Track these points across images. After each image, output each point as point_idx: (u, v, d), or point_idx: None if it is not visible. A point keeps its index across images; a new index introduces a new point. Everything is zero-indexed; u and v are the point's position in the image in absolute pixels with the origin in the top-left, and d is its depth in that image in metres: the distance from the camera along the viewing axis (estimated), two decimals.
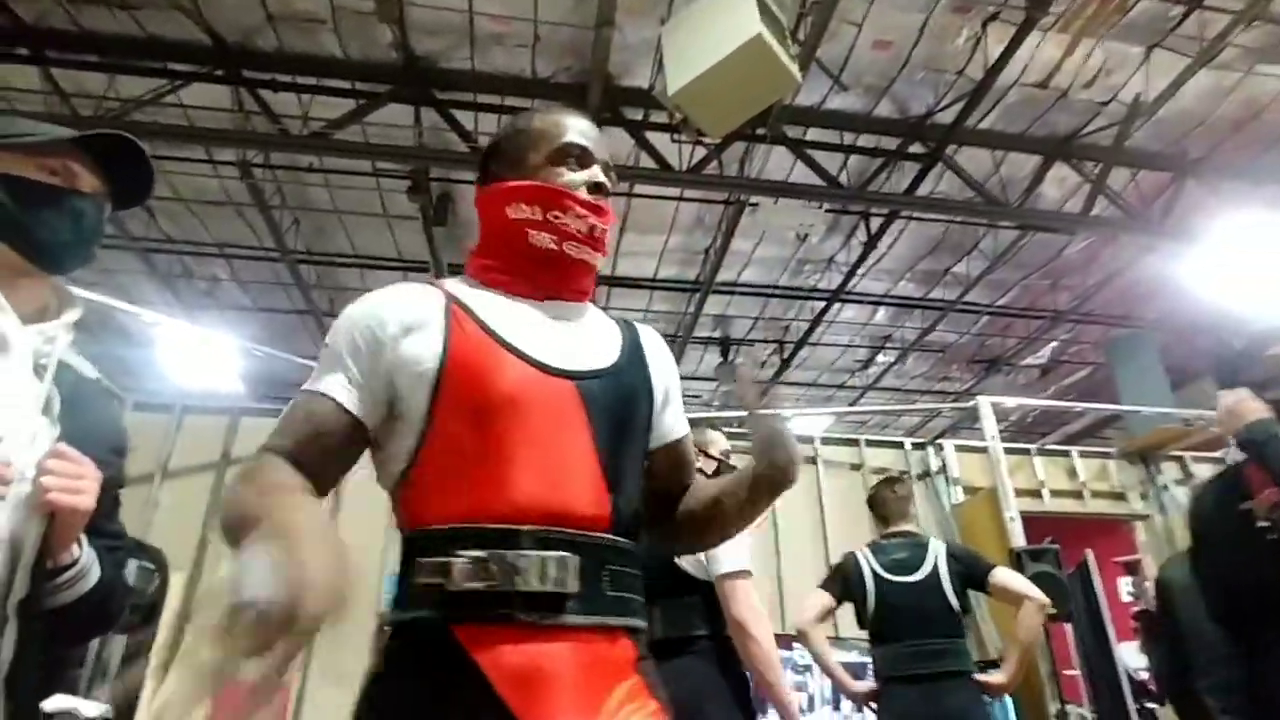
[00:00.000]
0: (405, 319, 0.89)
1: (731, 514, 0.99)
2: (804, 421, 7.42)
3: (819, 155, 5.62)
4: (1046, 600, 2.55)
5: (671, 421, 1.05)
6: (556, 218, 0.94)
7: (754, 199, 5.98)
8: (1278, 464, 1.57)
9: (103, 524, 0.97)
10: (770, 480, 0.94)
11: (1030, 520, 4.25)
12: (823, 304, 7.77)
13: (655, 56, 4.70)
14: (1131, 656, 4.32)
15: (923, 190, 5.89)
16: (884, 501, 2.88)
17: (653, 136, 5.38)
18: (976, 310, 8.08)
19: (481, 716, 0.75)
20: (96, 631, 1.10)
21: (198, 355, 5.12)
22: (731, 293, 7.77)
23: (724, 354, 8.95)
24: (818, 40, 4.38)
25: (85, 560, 0.94)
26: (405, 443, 0.86)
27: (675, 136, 5.30)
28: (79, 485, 0.88)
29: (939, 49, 5.01)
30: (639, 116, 5.39)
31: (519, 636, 0.78)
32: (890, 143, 5.73)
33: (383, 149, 5.35)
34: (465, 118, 5.27)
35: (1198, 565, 1.69)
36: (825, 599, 2.69)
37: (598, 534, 0.85)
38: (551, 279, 0.97)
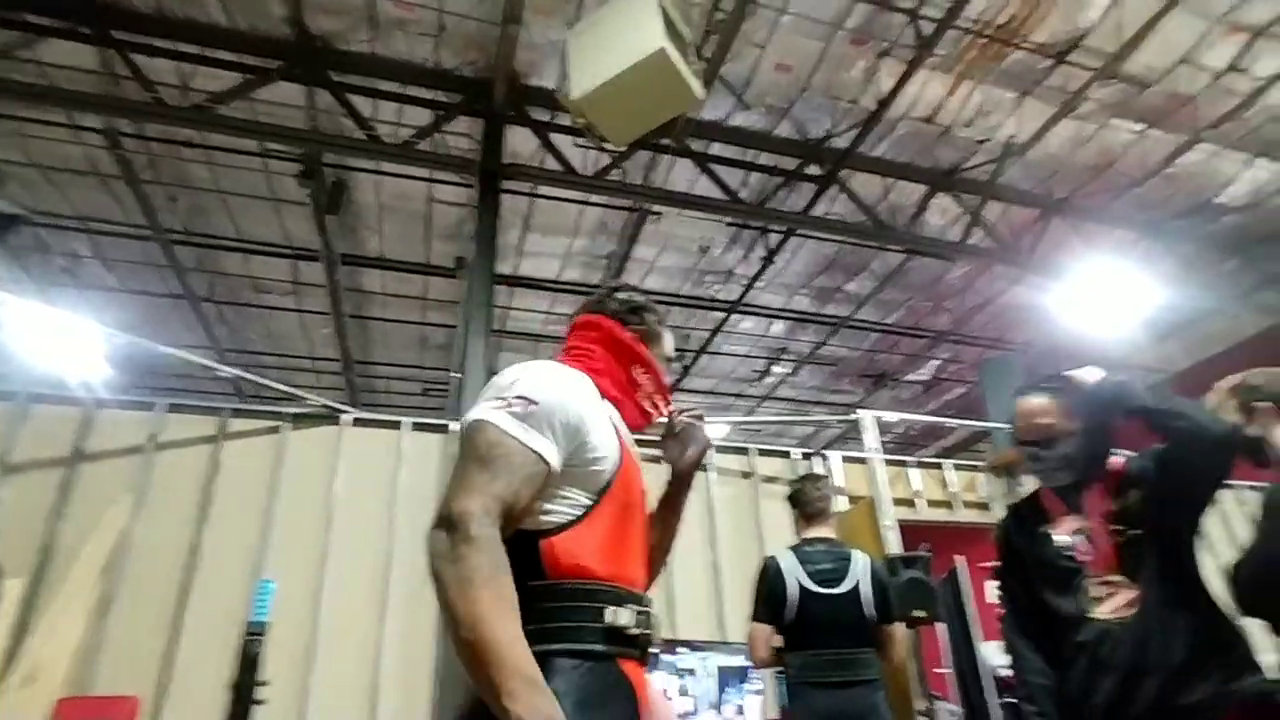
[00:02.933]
0: (596, 421, 1.18)
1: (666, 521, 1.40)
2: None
3: (721, 170, 5.75)
4: (896, 667, 2.91)
5: None
6: (654, 404, 1.36)
7: (657, 208, 6.05)
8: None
9: None
10: (684, 471, 1.40)
11: (906, 528, 4.48)
12: (723, 314, 7.96)
13: (562, 58, 4.69)
14: (995, 655, 4.62)
15: (818, 210, 6.13)
16: (809, 500, 2.94)
17: (557, 139, 5.35)
18: (866, 327, 8.49)
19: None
20: None
21: (50, 339, 4.61)
22: None
23: None
24: (722, 58, 4.49)
25: None
26: (568, 509, 1.12)
27: (578, 141, 5.29)
28: None
29: (836, 77, 5.24)
30: (545, 117, 5.35)
31: (639, 669, 1.15)
32: (789, 162, 5.94)
33: (272, 129, 5.05)
34: (363, 103, 5.06)
35: (1007, 585, 1.94)
36: (767, 632, 2.72)
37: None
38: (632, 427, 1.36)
